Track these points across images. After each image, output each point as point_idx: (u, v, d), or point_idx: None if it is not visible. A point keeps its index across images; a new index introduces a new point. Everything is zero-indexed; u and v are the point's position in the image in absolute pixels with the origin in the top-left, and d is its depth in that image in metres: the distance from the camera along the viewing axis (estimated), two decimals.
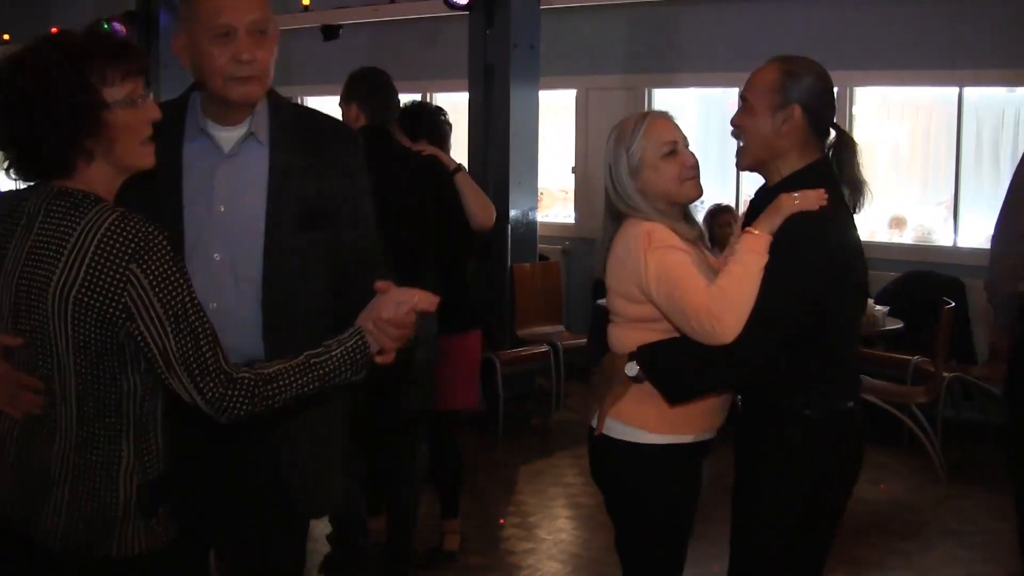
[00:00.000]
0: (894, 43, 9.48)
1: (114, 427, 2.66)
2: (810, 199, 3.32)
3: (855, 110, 9.90)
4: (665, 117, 3.67)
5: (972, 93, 9.49)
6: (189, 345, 2.58)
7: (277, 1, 3.38)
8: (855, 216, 3.55)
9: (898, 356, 8.22)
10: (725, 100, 10.49)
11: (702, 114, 10.91)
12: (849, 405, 3.54)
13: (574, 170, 11.54)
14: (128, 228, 2.55)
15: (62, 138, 2.60)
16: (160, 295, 2.55)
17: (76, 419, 2.64)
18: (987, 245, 5.31)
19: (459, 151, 7.90)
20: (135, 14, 12.93)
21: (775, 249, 3.32)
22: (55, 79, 2.58)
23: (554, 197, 11.84)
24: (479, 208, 5.47)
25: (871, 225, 9.58)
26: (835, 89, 3.58)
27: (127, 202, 2.69)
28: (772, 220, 3.34)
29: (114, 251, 2.53)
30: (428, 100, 11.88)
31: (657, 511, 3.66)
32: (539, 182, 10.22)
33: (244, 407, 2.65)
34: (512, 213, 9.63)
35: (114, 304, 2.54)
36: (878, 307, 8.07)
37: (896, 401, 7.55)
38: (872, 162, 10.06)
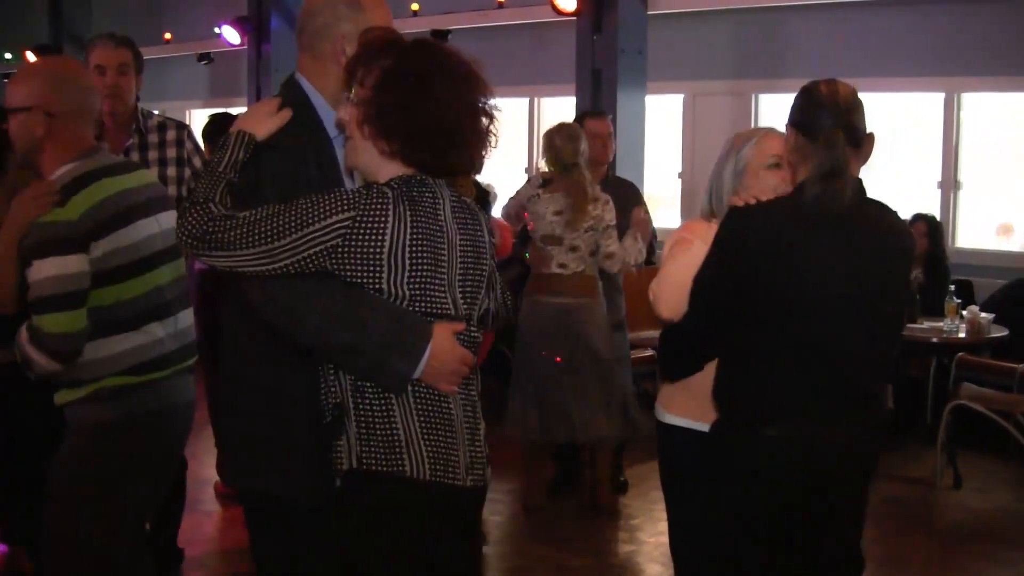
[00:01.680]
0: (1003, 48, 9.37)
1: None
2: (740, 197, 3.47)
3: (962, 115, 9.80)
4: (780, 135, 3.86)
5: None
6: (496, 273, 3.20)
7: None
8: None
9: (1004, 364, 8.14)
10: None
11: None
12: (770, 433, 3.30)
13: (681, 175, 11.59)
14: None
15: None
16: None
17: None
18: None
19: None
20: (247, 18, 13.22)
21: None
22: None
23: (660, 202, 11.89)
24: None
25: (977, 232, 9.50)
26: (831, 98, 3.62)
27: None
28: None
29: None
30: (535, 105, 12.03)
31: (683, 491, 3.93)
32: (645, 186, 10.30)
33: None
34: None
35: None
36: (983, 314, 8.04)
37: (1001, 409, 7.51)
38: (980, 168, 9.99)
